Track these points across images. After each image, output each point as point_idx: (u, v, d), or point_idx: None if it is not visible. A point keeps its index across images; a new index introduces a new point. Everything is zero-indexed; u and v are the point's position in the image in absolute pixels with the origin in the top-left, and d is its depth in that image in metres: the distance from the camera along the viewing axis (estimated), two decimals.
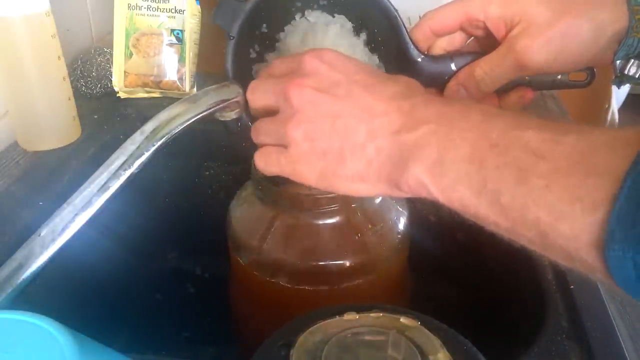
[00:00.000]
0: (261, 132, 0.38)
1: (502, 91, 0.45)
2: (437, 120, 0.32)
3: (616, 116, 1.64)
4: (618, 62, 0.42)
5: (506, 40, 0.42)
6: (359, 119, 0.34)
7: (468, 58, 0.44)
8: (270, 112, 0.38)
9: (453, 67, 0.44)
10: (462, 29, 0.45)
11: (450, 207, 0.31)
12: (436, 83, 0.45)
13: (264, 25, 0.45)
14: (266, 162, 0.38)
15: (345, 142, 0.34)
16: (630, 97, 1.65)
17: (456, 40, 0.46)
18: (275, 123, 0.37)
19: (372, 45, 0.46)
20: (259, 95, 0.39)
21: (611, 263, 0.25)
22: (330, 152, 0.34)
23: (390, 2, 0.44)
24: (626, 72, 0.43)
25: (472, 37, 0.46)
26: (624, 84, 0.44)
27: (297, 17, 0.46)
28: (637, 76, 0.43)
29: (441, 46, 0.46)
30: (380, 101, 0.34)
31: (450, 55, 0.45)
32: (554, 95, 0.78)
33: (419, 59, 0.45)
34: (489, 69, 0.43)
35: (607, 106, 1.57)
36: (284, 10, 0.46)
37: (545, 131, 0.28)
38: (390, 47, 0.45)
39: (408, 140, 0.32)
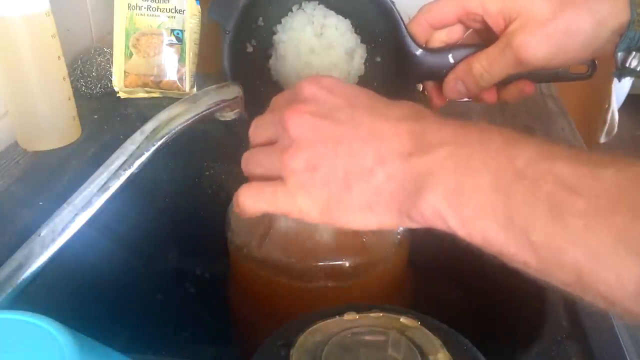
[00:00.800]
0: (252, 161, 0.35)
1: (502, 84, 0.45)
2: (453, 143, 0.29)
3: (616, 116, 1.64)
4: (619, 54, 0.42)
5: (504, 35, 0.41)
6: (364, 143, 0.31)
7: (466, 51, 0.44)
8: (267, 145, 0.35)
9: (451, 59, 0.44)
10: (460, 22, 0.44)
11: (472, 242, 0.28)
12: (434, 76, 0.45)
13: (260, 18, 0.45)
14: (256, 198, 0.34)
15: (351, 168, 0.31)
16: (630, 97, 1.65)
17: (455, 32, 0.45)
18: (272, 153, 0.34)
19: (369, 38, 0.46)
20: (258, 130, 0.36)
21: None
22: (334, 180, 0.31)
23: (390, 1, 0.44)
24: (627, 64, 0.43)
25: (471, 29, 0.46)
26: (625, 76, 0.44)
27: (294, 8, 0.45)
28: (638, 69, 0.43)
29: (440, 38, 0.45)
30: (388, 123, 0.31)
31: (448, 48, 0.45)
32: (553, 95, 0.78)
33: (417, 52, 0.44)
34: (487, 65, 0.42)
35: (607, 106, 1.57)
36: (280, 3, 0.45)
37: (579, 163, 0.26)
38: (388, 41, 0.45)
39: (421, 165, 0.29)
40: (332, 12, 0.46)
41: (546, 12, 0.39)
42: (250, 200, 0.34)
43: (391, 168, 0.30)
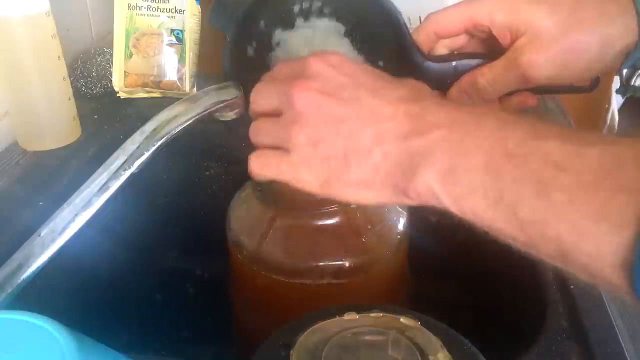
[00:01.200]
0: (261, 132, 0.37)
1: (504, 95, 0.45)
2: (449, 125, 0.30)
3: (616, 116, 1.64)
4: (624, 71, 0.42)
5: (511, 50, 0.41)
6: (364, 123, 0.32)
7: (471, 62, 0.44)
8: (273, 116, 0.37)
9: (455, 70, 0.44)
10: (466, 32, 0.44)
11: (461, 217, 0.30)
12: (438, 85, 0.45)
13: (262, 22, 0.45)
14: (263, 166, 0.36)
15: (350, 147, 0.32)
16: (630, 97, 1.65)
17: (459, 39, 0.45)
18: (278, 125, 0.35)
19: (372, 48, 0.46)
20: (262, 98, 0.37)
21: (639, 285, 0.24)
22: (335, 157, 0.33)
23: (395, 8, 0.43)
24: (632, 82, 0.43)
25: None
26: (629, 93, 0.44)
27: (296, 8, 0.45)
28: None
29: (443, 44, 0.46)
30: (388, 104, 0.32)
31: (452, 58, 0.45)
32: (554, 95, 0.78)
33: (423, 64, 0.44)
34: (492, 80, 0.42)
35: (607, 106, 1.57)
36: (281, 7, 0.45)
37: (567, 142, 0.27)
38: (391, 50, 0.45)
39: (417, 145, 0.30)
40: (333, 32, 0.45)
41: (554, 30, 0.39)
42: (259, 167, 0.36)
43: (388, 148, 0.31)
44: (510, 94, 0.44)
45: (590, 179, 0.25)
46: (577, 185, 0.25)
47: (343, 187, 0.33)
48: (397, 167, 0.31)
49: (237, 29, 0.43)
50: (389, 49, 0.45)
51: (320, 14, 0.44)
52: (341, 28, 0.44)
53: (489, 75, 0.42)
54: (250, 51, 0.45)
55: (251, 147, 0.39)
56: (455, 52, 0.46)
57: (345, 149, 0.33)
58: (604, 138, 0.27)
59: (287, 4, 0.44)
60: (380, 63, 0.45)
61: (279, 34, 0.45)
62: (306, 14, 0.44)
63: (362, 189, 0.33)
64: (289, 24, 0.44)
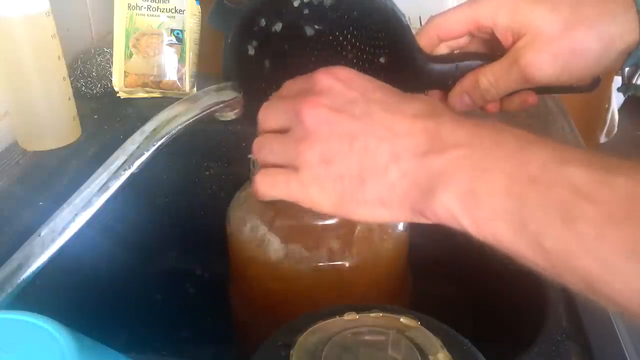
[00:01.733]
0: (267, 149, 0.35)
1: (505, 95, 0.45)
2: (468, 144, 0.29)
3: (616, 116, 1.64)
4: (626, 69, 0.42)
5: (512, 51, 0.41)
6: (379, 139, 0.31)
7: (473, 63, 0.44)
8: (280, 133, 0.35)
9: (457, 71, 0.44)
10: (469, 33, 0.44)
11: (482, 240, 0.29)
12: (439, 86, 0.45)
13: (262, 20, 0.45)
14: (271, 185, 0.34)
15: (365, 165, 0.31)
16: (630, 97, 1.65)
17: (461, 40, 0.45)
18: (286, 142, 0.34)
19: (374, 45, 0.46)
20: (270, 115, 0.36)
21: None
22: (348, 175, 0.31)
23: (399, 11, 0.43)
24: (634, 81, 0.43)
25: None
26: (630, 92, 0.43)
27: (296, 3, 0.44)
28: None
29: (446, 44, 0.45)
30: (403, 120, 0.31)
31: (454, 58, 0.45)
32: (554, 95, 0.78)
33: (425, 63, 0.44)
34: (494, 80, 0.42)
35: (607, 106, 1.58)
36: (282, 4, 0.45)
37: (591, 168, 0.26)
38: (393, 48, 0.45)
39: (436, 164, 0.29)
40: (335, 29, 0.45)
41: (555, 30, 0.39)
42: (266, 187, 0.35)
43: (405, 166, 0.30)
44: (511, 93, 0.44)
45: (617, 211, 0.24)
46: (605, 218, 0.25)
47: (358, 207, 0.32)
48: (414, 186, 0.30)
49: (237, 28, 0.43)
50: (391, 47, 0.45)
51: (322, 10, 0.44)
52: (343, 24, 0.44)
53: (491, 76, 0.42)
54: (250, 50, 0.45)
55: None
56: (457, 52, 0.46)
57: (360, 166, 0.31)
58: (628, 165, 0.26)
59: (288, 1, 0.44)
60: (382, 60, 0.45)
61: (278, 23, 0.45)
62: (308, 11, 0.44)
63: (377, 208, 0.32)
64: (290, 22, 0.44)
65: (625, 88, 0.43)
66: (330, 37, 0.44)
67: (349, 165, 0.31)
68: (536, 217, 0.26)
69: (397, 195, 0.31)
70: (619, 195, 0.25)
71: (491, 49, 0.44)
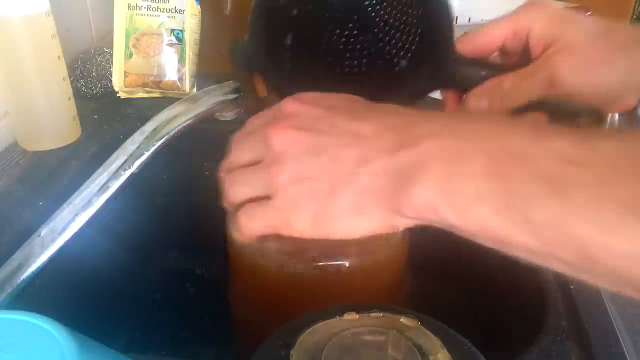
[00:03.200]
0: (239, 182, 0.34)
1: (517, 111, 0.44)
2: (439, 133, 0.28)
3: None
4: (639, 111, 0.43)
5: (541, 57, 0.41)
6: (346, 146, 0.30)
7: (498, 69, 0.44)
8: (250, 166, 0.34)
9: (482, 74, 0.44)
10: (502, 45, 0.44)
11: (468, 234, 0.28)
12: (458, 88, 0.45)
13: (290, 35, 0.43)
14: (251, 219, 0.33)
15: (335, 176, 0.30)
16: None
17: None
18: (257, 170, 0.33)
19: (406, 24, 0.43)
20: (240, 152, 0.35)
21: None
22: (320, 189, 0.30)
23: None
24: None
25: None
26: None
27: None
28: None
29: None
30: (368, 124, 0.30)
31: (483, 66, 0.45)
32: None
33: (453, 60, 0.44)
34: (519, 82, 0.42)
35: None
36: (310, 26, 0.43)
37: (576, 137, 0.25)
38: (425, 31, 0.43)
39: (407, 158, 0.28)
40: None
41: (584, 43, 0.40)
42: (246, 224, 0.34)
43: (376, 166, 0.29)
44: (524, 110, 0.44)
45: (610, 172, 0.23)
46: (597, 181, 0.23)
47: (333, 222, 0.31)
48: (387, 185, 0.29)
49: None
50: (424, 24, 0.43)
51: None
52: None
53: (517, 78, 0.42)
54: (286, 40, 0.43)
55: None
56: (486, 60, 0.46)
57: (330, 178, 0.30)
58: (615, 133, 0.25)
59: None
60: (410, 39, 0.43)
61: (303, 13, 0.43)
62: None
63: (354, 218, 0.30)
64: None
65: None
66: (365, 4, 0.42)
67: (319, 179, 0.31)
68: (522, 192, 0.25)
69: (371, 200, 0.30)
70: (610, 157, 0.24)
71: (518, 64, 0.44)
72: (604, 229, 0.23)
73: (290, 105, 0.34)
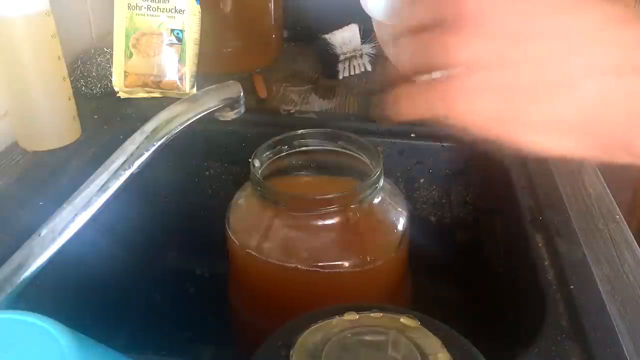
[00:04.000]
0: (407, 50, 0.26)
1: None
2: None
3: None
4: None
5: None
6: (570, 44, 0.23)
7: None
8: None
9: None
10: None
11: None
12: None
13: None
14: (411, 103, 0.26)
15: (543, 75, 0.23)
16: None
17: None
18: (433, 38, 0.25)
19: None
20: (418, 5, 0.27)
21: None
22: (516, 86, 0.24)
23: None
24: None
25: None
26: None
27: None
28: None
29: None
30: (607, 24, 0.23)
31: None
32: None
33: None
34: None
35: None
36: None
37: None
38: None
39: None
40: None
41: None
42: (404, 105, 0.27)
43: (608, 83, 0.23)
44: None
45: None
46: None
47: (524, 130, 0.24)
48: (617, 110, 0.23)
49: None
50: None
51: None
52: None
53: None
54: None
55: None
56: None
57: (536, 77, 0.23)
58: None
59: None
60: None
61: None
62: None
63: (553, 133, 0.24)
64: None
65: None
66: None
67: (518, 73, 0.24)
68: None
69: (587, 121, 0.23)
70: None
71: None
72: None
73: None
